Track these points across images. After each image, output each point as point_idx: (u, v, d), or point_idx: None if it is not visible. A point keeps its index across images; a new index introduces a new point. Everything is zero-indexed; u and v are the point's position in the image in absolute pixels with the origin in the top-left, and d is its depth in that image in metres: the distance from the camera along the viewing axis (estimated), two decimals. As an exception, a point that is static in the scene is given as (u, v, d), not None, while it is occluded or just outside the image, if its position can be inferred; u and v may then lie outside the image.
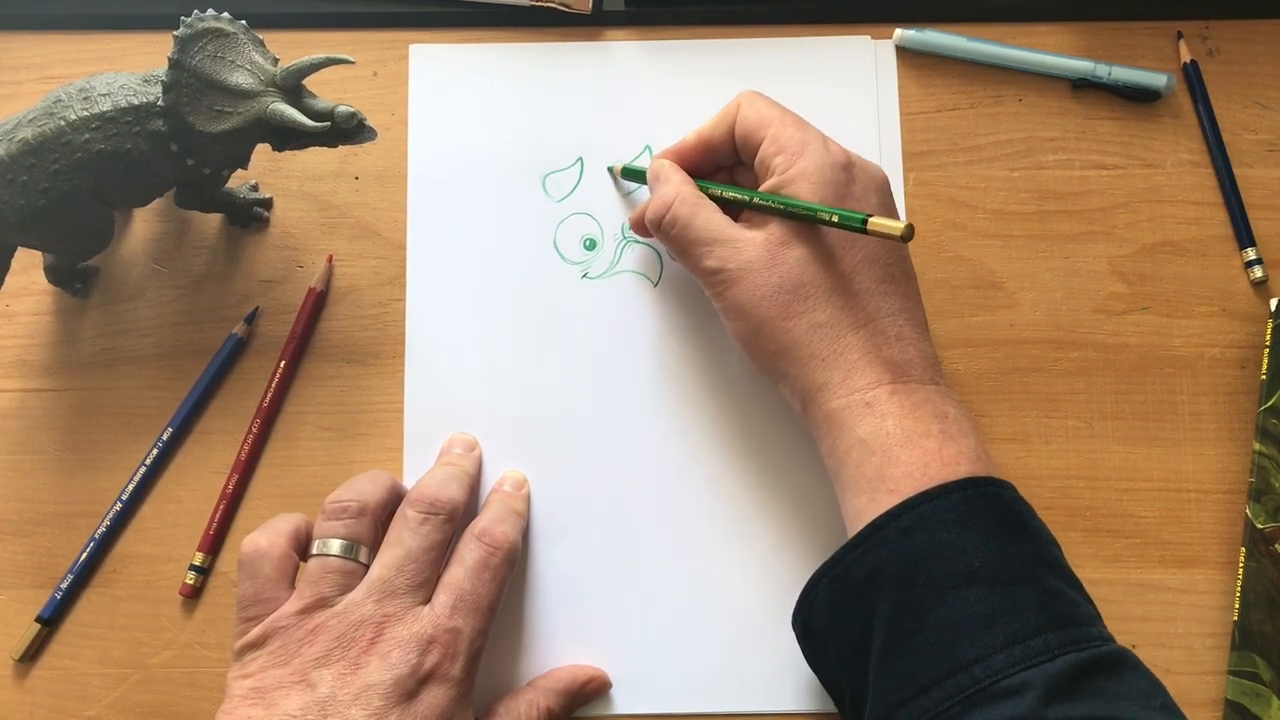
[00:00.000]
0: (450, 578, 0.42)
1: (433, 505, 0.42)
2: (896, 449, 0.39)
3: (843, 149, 0.43)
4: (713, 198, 0.45)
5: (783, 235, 0.42)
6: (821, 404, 0.41)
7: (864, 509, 0.39)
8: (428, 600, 0.41)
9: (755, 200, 0.43)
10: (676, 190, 0.44)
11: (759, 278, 0.41)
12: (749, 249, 0.42)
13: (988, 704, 0.34)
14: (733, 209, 0.44)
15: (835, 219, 0.40)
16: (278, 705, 0.38)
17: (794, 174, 0.42)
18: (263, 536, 0.42)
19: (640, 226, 0.47)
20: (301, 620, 0.40)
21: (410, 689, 0.39)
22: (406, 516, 0.42)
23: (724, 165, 0.47)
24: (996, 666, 0.35)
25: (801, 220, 0.42)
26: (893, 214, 0.44)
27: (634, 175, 0.50)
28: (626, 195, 0.51)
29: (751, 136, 0.44)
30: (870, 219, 0.39)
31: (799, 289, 0.41)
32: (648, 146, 0.51)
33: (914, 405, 0.40)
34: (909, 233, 0.38)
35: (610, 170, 0.51)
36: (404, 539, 0.41)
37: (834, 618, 0.39)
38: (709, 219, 0.43)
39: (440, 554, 0.42)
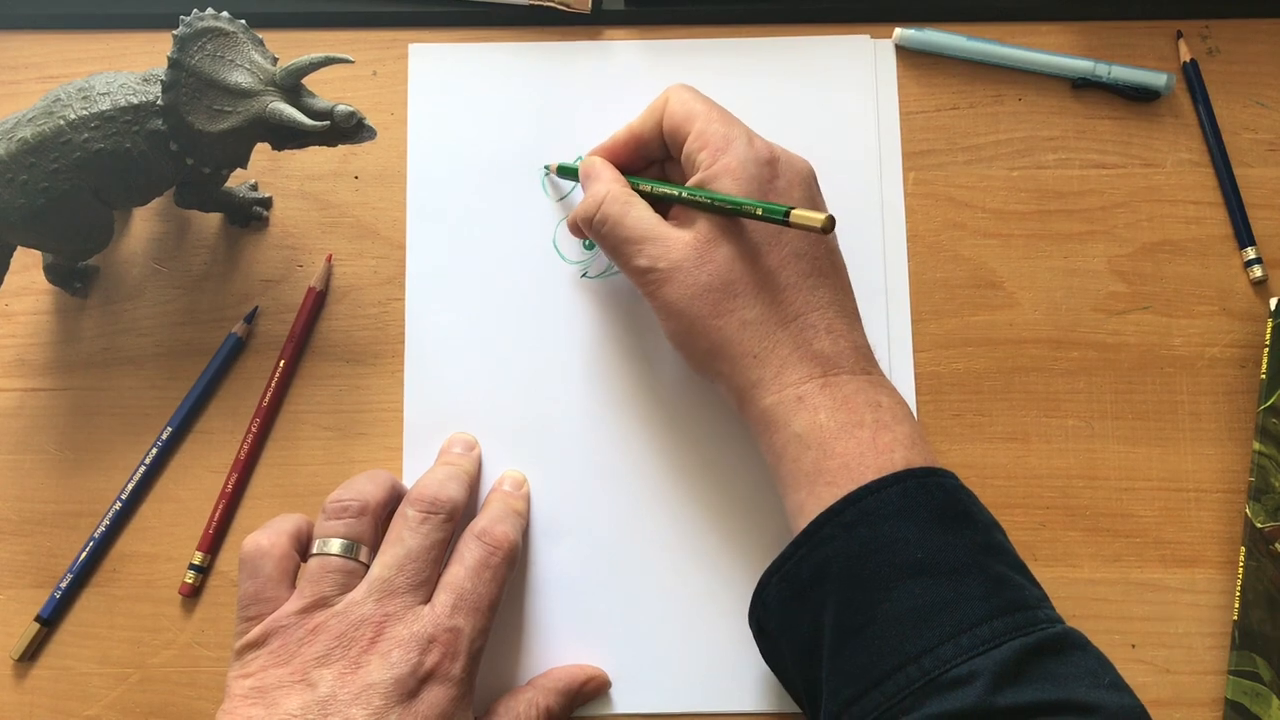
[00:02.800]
0: (450, 577, 0.41)
1: (433, 504, 0.42)
2: (831, 441, 0.39)
3: (767, 144, 0.43)
4: (643, 194, 0.44)
5: (710, 233, 0.42)
6: (756, 401, 0.41)
7: (804, 504, 0.40)
8: (428, 599, 0.41)
9: (684, 195, 0.43)
10: (607, 188, 0.44)
11: (689, 276, 0.42)
12: (678, 248, 0.42)
13: (938, 695, 0.35)
14: (663, 205, 0.44)
15: (760, 212, 0.41)
16: (278, 705, 0.38)
17: (718, 169, 0.42)
18: (264, 536, 0.42)
19: (577, 228, 0.47)
20: (302, 619, 0.40)
21: (411, 688, 0.39)
22: (406, 516, 0.42)
23: (655, 160, 0.47)
24: (945, 656, 0.35)
25: (728, 215, 0.42)
26: (818, 207, 0.44)
27: (569, 174, 0.50)
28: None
29: (678, 131, 0.44)
30: (793, 211, 0.40)
31: (728, 287, 0.41)
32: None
33: (846, 397, 0.40)
34: (829, 224, 0.39)
35: (546, 169, 0.50)
36: (404, 538, 0.41)
37: (785, 617, 0.39)
38: (640, 217, 0.43)
39: (440, 553, 0.42)
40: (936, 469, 0.39)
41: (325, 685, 0.38)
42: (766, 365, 0.41)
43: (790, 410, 0.40)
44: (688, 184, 0.43)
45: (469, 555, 0.42)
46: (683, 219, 0.43)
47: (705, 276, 0.41)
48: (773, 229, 0.42)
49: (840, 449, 0.39)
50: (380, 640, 0.39)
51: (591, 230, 0.45)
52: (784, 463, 0.41)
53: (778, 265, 0.42)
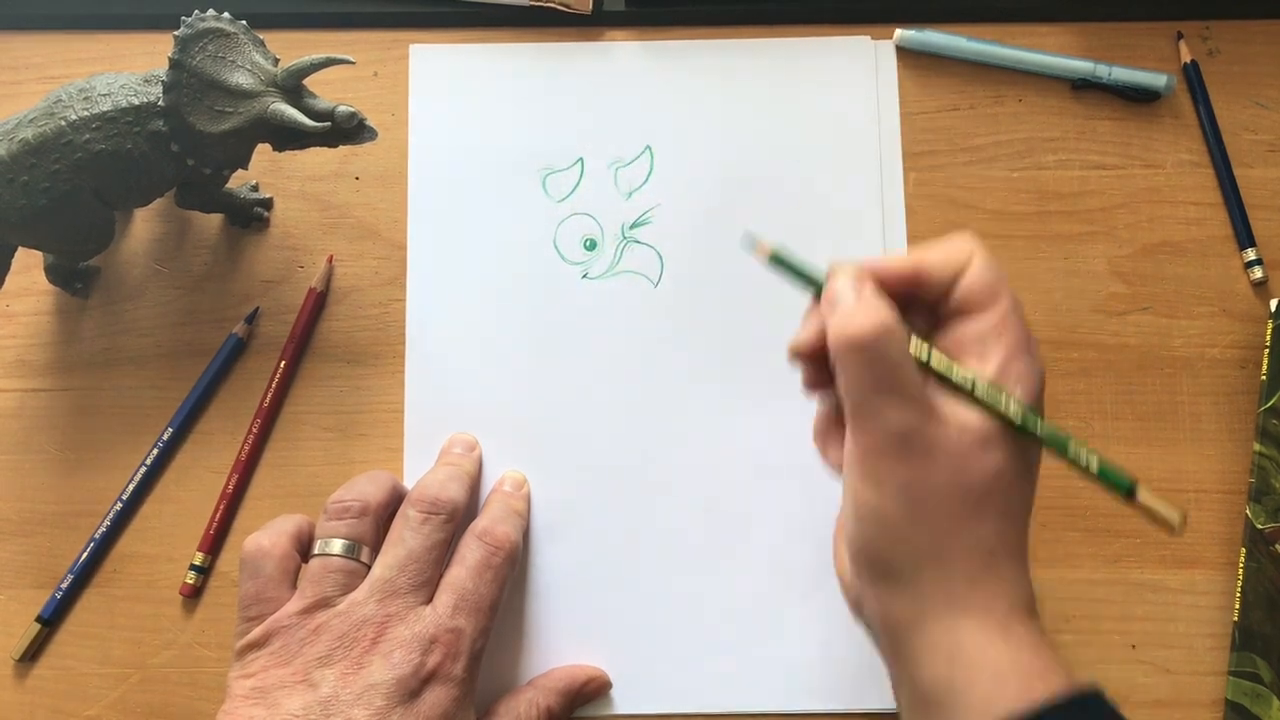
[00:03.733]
0: (452, 577, 0.42)
1: (434, 505, 0.42)
2: (1027, 677, 0.34)
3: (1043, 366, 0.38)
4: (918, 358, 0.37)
5: (985, 434, 0.35)
6: (945, 620, 0.35)
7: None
8: (429, 600, 0.41)
9: (997, 404, 0.35)
10: (892, 320, 0.35)
11: (945, 470, 0.35)
12: (947, 430, 0.35)
13: None
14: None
15: (1095, 468, 0.35)
16: (280, 705, 0.38)
17: (1015, 376, 0.36)
18: (265, 536, 0.42)
19: (810, 349, 0.38)
20: (303, 620, 0.40)
21: (413, 688, 0.39)
22: (408, 516, 0.42)
23: (909, 304, 0.38)
24: None
25: (1025, 436, 0.35)
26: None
27: (793, 270, 0.38)
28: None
29: (977, 300, 0.37)
30: (1141, 489, 0.35)
31: (982, 500, 0.35)
32: (648, 147, 0.51)
33: (1040, 637, 0.36)
34: (1183, 526, 0.34)
35: (750, 239, 0.39)
36: (406, 539, 0.41)
37: None
38: (914, 372, 0.36)
39: (442, 554, 0.42)
40: (1095, 691, 0.35)
41: (327, 685, 0.38)
42: (979, 589, 0.35)
43: (989, 638, 0.35)
44: (963, 366, 0.36)
45: (470, 556, 0.42)
46: (944, 397, 0.36)
47: (963, 477, 0.35)
48: (1037, 460, 0.37)
49: (1022, 687, 0.34)
50: (382, 641, 0.39)
51: (857, 353, 0.35)
52: (952, 691, 0.35)
53: (1027, 499, 0.37)
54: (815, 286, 0.38)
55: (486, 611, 0.41)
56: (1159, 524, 0.35)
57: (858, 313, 0.36)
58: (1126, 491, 0.35)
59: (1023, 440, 0.36)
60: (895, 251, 0.37)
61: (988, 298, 0.37)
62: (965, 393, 0.36)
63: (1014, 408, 0.35)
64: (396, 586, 0.40)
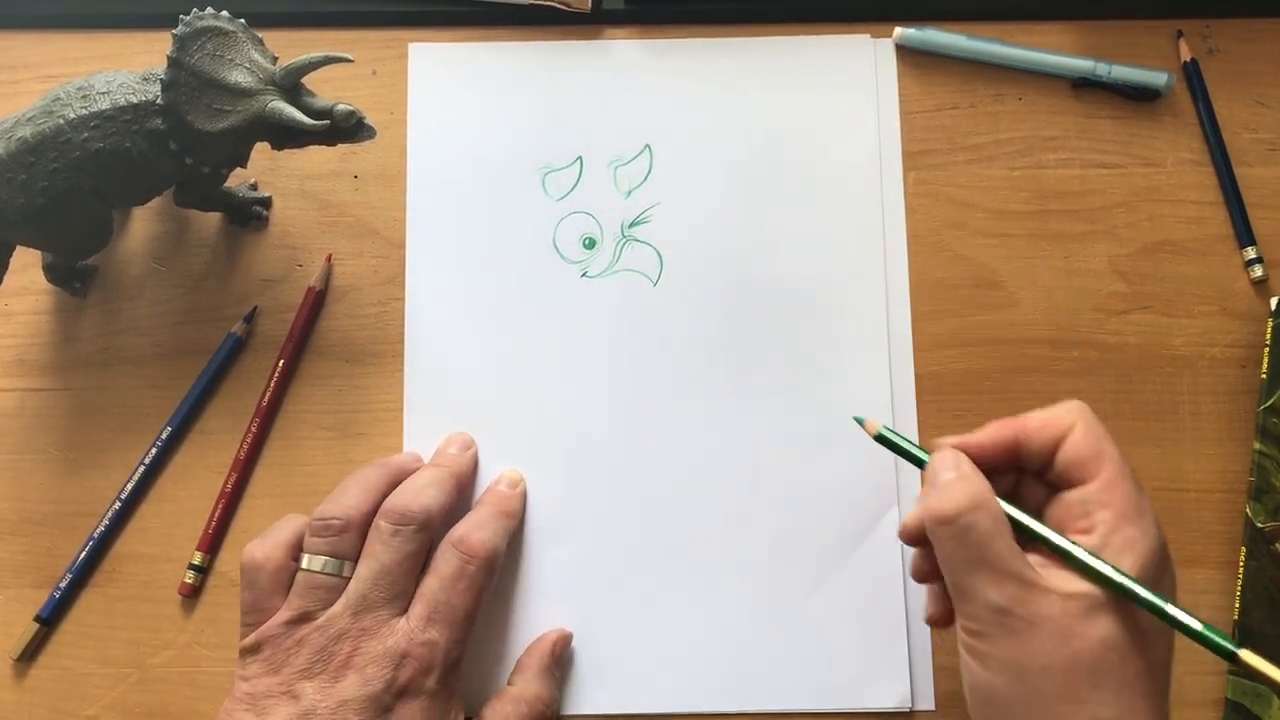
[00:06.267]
0: (425, 589, 0.42)
1: (403, 517, 0.42)
2: None
3: (1161, 531, 0.37)
4: (1015, 523, 0.37)
5: (1090, 602, 0.35)
6: None
7: None
8: (404, 611, 0.42)
9: (1095, 569, 0.35)
10: (982, 495, 0.37)
11: (1049, 643, 0.35)
12: (1048, 603, 0.35)
13: None
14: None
15: (1202, 631, 0.34)
16: (267, 714, 0.39)
17: (1121, 543, 0.36)
18: (260, 549, 0.42)
19: (917, 530, 0.38)
20: (289, 630, 0.41)
21: (385, 704, 0.40)
22: (379, 528, 0.42)
23: (1009, 470, 0.40)
24: None
25: (1136, 604, 0.35)
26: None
27: (899, 448, 0.40)
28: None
29: (1079, 469, 0.38)
30: (1244, 653, 0.34)
31: (1093, 673, 0.34)
32: (648, 146, 0.51)
33: None
34: None
35: (859, 421, 0.42)
36: (377, 553, 0.42)
37: None
38: (1011, 546, 0.36)
39: (415, 564, 0.42)
40: None
41: (307, 698, 0.39)
42: None
43: None
44: (1074, 538, 0.37)
45: (444, 566, 0.42)
46: (1049, 566, 0.36)
47: (1069, 651, 0.34)
48: (1156, 625, 0.36)
49: None
50: (357, 655, 0.40)
51: (949, 529, 0.36)
52: None
53: (1145, 669, 0.35)
54: (920, 463, 0.40)
55: (461, 623, 0.42)
56: (1267, 684, 0.34)
57: (948, 489, 0.37)
58: (1229, 656, 0.34)
59: (1127, 602, 0.35)
60: (996, 423, 0.40)
61: (1090, 466, 0.37)
62: (1066, 560, 0.36)
63: (1113, 574, 0.35)
64: (370, 601, 0.41)
